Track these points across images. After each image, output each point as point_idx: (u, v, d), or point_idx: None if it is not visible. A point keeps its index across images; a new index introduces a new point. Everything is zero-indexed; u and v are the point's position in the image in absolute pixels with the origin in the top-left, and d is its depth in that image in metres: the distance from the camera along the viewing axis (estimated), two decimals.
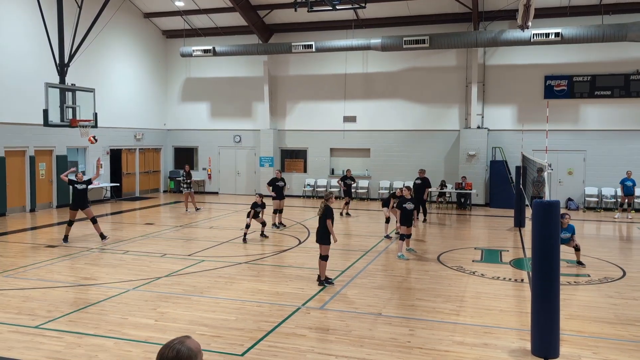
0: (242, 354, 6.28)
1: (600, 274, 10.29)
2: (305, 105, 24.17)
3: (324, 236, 9.42)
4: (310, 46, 21.77)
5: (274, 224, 15.51)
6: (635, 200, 18.50)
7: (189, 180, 19.28)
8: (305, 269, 10.58)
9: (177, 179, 24.31)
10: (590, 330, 7.23)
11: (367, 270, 10.58)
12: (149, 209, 20.07)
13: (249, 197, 24.06)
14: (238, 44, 23.52)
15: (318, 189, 23.81)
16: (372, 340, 6.72)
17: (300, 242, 13.44)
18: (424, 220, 17.08)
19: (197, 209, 19.25)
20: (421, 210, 16.89)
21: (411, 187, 13.79)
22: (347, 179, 18.70)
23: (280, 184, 15.92)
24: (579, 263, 10.92)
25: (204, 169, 25.80)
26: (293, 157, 24.72)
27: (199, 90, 25.66)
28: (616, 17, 19.07)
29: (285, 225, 15.79)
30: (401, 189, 12.72)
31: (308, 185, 23.97)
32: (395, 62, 22.56)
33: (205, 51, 23.23)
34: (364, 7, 19.07)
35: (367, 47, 21.23)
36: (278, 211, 15.67)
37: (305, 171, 24.41)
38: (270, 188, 15.68)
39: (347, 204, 18.58)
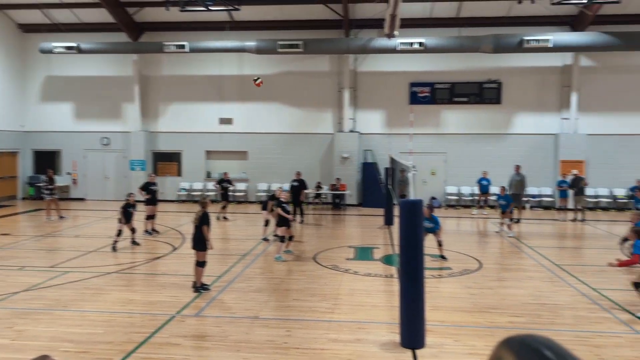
0: None
1: (461, 267, 11.15)
2: (179, 107, 23.47)
3: (199, 242, 9.19)
4: (183, 46, 21.20)
5: (146, 231, 14.86)
6: (490, 198, 20.30)
7: (51, 187, 17.84)
8: (179, 275, 10.26)
9: (38, 185, 22.33)
10: (452, 320, 7.80)
11: (244, 274, 10.52)
12: (4, 218, 18.26)
13: (119, 202, 22.86)
14: (105, 41, 22.25)
15: (193, 193, 23.23)
16: (249, 344, 6.70)
17: (174, 249, 13.02)
18: (301, 222, 17.35)
19: (61, 217, 17.87)
20: (298, 212, 17.18)
21: (288, 189, 13.95)
22: (224, 182, 18.43)
23: (154, 188, 15.30)
24: (442, 257, 11.75)
25: (69, 173, 24.03)
26: (166, 160, 23.88)
27: (62, 89, 23.85)
28: (471, 30, 20.82)
29: (158, 232, 15.19)
30: (280, 191, 12.79)
31: (183, 189, 23.30)
32: (270, 65, 22.70)
33: (69, 48, 21.67)
34: (239, 10, 18.99)
35: (242, 50, 21.15)
36: (150, 217, 15.04)
37: (179, 175, 23.69)
38: (144, 192, 15.00)
39: (224, 207, 18.31)
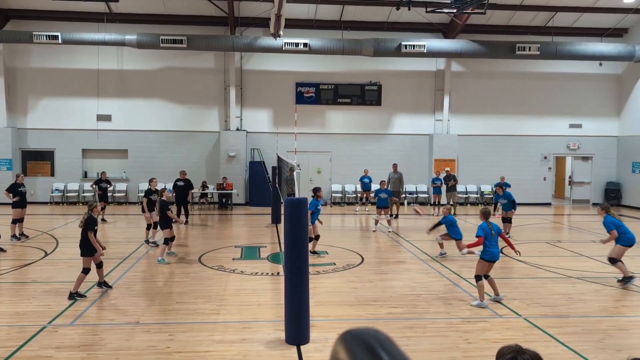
0: None
1: (344, 262, 11.52)
2: (52, 102, 21.84)
3: (84, 248, 8.82)
4: (55, 37, 19.75)
5: (14, 236, 13.68)
6: (371, 195, 21.17)
7: None
8: (52, 283, 9.59)
9: None
10: (335, 314, 8.05)
11: (124, 278, 10.06)
12: None
13: None
14: None
15: (68, 194, 21.76)
16: (129, 352, 6.43)
17: (46, 254, 12.12)
18: (186, 222, 16.90)
19: None
20: (183, 212, 16.74)
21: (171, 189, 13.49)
22: (102, 183, 17.44)
23: (23, 189, 14.07)
24: (314, 252, 11.84)
25: None
26: (37, 159, 22.13)
27: None
28: (353, 33, 21.56)
29: (27, 236, 14.05)
30: (162, 191, 12.33)
31: (56, 190, 21.74)
32: (152, 60, 21.86)
33: None
34: (117, 1, 18.06)
35: (121, 43, 20.17)
36: (18, 221, 13.84)
37: (52, 175, 22.06)
38: (11, 195, 13.73)
39: (103, 209, 17.32)
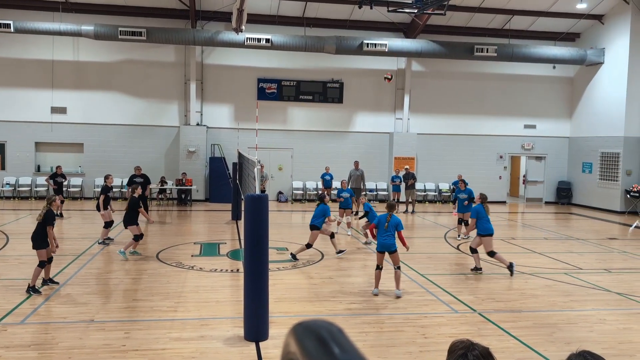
0: None
1: (304, 258, 11.54)
2: (3, 93, 21.03)
3: (39, 241, 8.64)
4: (7, 25, 19.00)
5: None
6: (332, 192, 21.24)
7: None
8: (2, 280, 9.27)
9: None
10: (295, 310, 8.07)
11: (78, 275, 9.80)
12: None
13: None
14: None
15: (20, 189, 21.04)
16: (82, 350, 6.28)
17: None
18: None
19: None
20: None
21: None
22: (57, 177, 16.93)
23: None
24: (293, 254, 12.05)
25: None
26: None
27: None
28: (316, 30, 21.57)
29: None
30: (135, 187, 11.91)
31: (7, 184, 20.97)
32: (110, 52, 21.32)
33: None
34: None
35: (77, 34, 19.58)
36: None
37: (3, 168, 21.25)
38: None
39: (62, 202, 16.78)
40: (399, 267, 9.06)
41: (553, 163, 24.51)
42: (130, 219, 11.37)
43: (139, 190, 11.80)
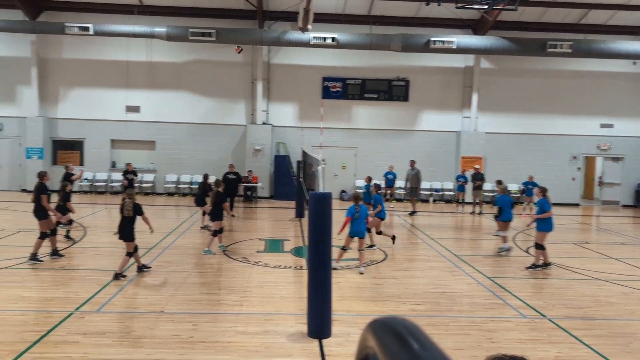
0: None
1: (367, 258, 11.47)
2: (83, 92, 22.24)
3: (128, 233, 9.31)
4: (87, 28, 20.07)
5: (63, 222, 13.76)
6: (396, 191, 21.07)
7: None
8: (80, 270, 9.79)
9: None
10: (358, 309, 8.04)
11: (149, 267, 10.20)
12: None
13: (11, 193, 21.37)
14: None
15: (96, 184, 22.16)
16: (153, 340, 6.53)
17: (74, 242, 12.36)
18: (232, 216, 16.87)
19: None
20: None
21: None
22: (128, 174, 17.71)
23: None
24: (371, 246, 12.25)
25: None
26: (68, 149, 22.57)
27: None
28: (382, 29, 21.42)
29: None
30: (219, 183, 12.24)
31: (85, 179, 22.14)
32: (181, 53, 22.08)
33: None
34: None
35: (151, 35, 20.39)
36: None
37: (82, 164, 22.47)
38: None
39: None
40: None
41: (632, 164, 23.18)
42: (216, 214, 11.63)
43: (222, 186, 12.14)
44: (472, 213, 19.38)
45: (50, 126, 22.19)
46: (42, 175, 10.32)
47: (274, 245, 12.74)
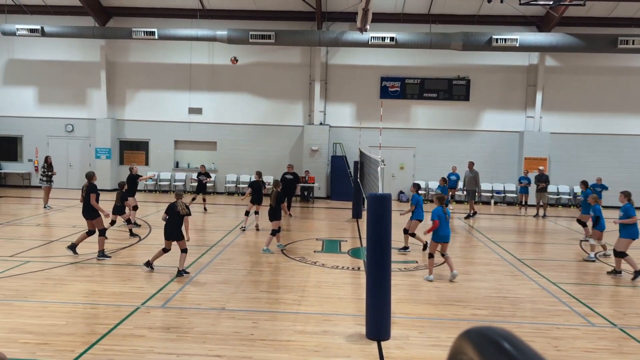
0: None
1: (426, 260, 11.29)
2: (148, 95, 23.09)
3: (180, 233, 9.52)
4: (152, 33, 20.82)
5: (129, 221, 14.32)
6: (457, 193, 20.64)
7: (50, 173, 17.29)
8: (145, 266, 10.12)
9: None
10: (417, 312, 7.92)
11: (211, 265, 10.46)
12: None
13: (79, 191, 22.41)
14: (71, 25, 21.68)
15: (161, 183, 22.94)
16: (215, 336, 6.68)
17: (140, 239, 12.84)
18: (290, 216, 17.10)
19: (45, 207, 17.34)
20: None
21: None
22: (200, 175, 18.18)
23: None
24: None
25: (30, 160, 23.43)
26: (133, 149, 23.50)
27: (25, 73, 23.19)
28: (442, 27, 21.07)
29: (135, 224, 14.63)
30: (277, 184, 12.38)
31: (150, 179, 22.97)
32: (241, 55, 22.48)
33: (32, 31, 21.06)
34: None
35: (213, 39, 20.90)
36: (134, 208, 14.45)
37: (147, 164, 23.35)
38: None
39: (202, 199, 17.99)
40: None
41: None
42: (274, 214, 11.75)
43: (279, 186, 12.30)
44: (536, 216, 18.74)
45: (117, 127, 23.16)
46: (90, 176, 10.87)
47: (331, 246, 12.76)
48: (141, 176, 14.76)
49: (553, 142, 21.74)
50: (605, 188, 16.92)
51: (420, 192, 12.77)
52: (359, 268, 10.53)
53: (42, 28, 21.06)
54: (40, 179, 17.98)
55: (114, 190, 14.36)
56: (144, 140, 23.34)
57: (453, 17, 21.34)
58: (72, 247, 10.80)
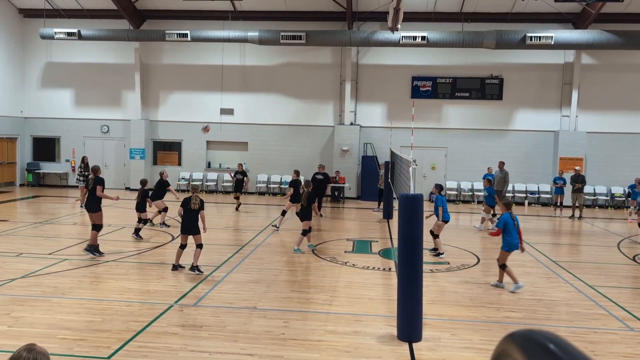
0: (109, 357, 5.98)
1: (458, 262, 11.19)
2: (180, 96, 23.43)
3: (196, 227, 9.72)
4: (185, 35, 21.11)
5: (162, 223, 14.58)
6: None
7: (87, 173, 17.72)
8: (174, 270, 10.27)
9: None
10: (449, 314, 7.84)
11: (243, 264, 10.55)
12: (3, 205, 18.28)
13: (117, 191, 22.90)
14: (106, 28, 22.17)
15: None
16: (246, 335, 6.73)
17: (173, 238, 13.04)
18: (321, 216, 17.13)
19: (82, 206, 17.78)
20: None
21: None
22: (237, 174, 18.36)
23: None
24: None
25: (67, 160, 24.04)
26: (167, 150, 23.88)
27: (62, 75, 23.80)
28: (474, 25, 20.78)
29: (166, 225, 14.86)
30: (309, 185, 12.44)
31: (183, 179, 23.31)
32: (272, 56, 22.65)
33: (70, 34, 21.60)
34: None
35: (244, 40, 21.08)
36: (164, 210, 14.64)
37: (179, 164, 23.70)
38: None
39: (236, 198, 18.24)
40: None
41: None
42: (305, 214, 11.77)
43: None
44: (572, 217, 18.32)
45: (151, 128, 23.57)
46: (96, 170, 11.21)
47: (362, 246, 12.73)
48: (169, 185, 14.80)
49: (589, 142, 21.21)
50: None
51: (442, 192, 12.52)
52: (389, 269, 10.48)
53: (78, 31, 21.59)
54: (77, 179, 18.48)
55: (151, 190, 14.59)
56: (177, 140, 23.69)
57: (486, 15, 21.02)
58: (92, 250, 10.81)
